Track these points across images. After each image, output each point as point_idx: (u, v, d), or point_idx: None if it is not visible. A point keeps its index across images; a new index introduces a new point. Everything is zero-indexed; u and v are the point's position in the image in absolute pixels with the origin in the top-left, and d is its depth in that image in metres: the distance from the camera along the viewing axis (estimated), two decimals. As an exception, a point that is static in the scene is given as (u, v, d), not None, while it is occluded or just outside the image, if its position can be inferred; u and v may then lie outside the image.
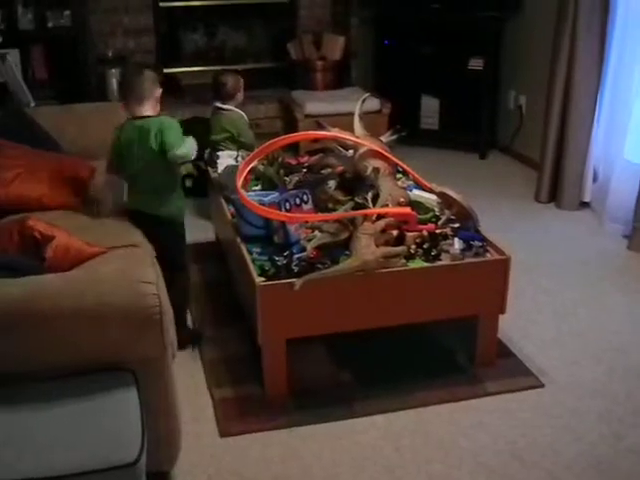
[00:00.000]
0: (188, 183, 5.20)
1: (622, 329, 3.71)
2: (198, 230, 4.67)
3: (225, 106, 4.75)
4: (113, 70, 5.97)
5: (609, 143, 4.92)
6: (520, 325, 3.68)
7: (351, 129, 3.60)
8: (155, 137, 3.28)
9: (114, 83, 5.97)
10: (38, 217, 2.99)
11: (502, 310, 3.27)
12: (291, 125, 5.94)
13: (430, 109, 6.27)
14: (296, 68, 6.46)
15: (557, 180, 5.18)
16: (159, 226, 3.39)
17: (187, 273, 3.61)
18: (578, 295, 4.02)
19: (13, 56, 5.36)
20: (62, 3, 5.73)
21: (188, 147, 3.30)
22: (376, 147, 3.43)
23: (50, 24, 5.78)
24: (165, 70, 6.27)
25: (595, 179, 5.07)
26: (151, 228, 3.34)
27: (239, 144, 4.59)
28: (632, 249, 4.51)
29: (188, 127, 5.04)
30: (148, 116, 3.37)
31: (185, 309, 3.60)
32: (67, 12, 5.75)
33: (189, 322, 3.70)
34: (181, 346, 3.27)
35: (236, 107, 4.77)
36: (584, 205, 5.14)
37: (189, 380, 3.28)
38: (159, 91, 3.45)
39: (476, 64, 5.98)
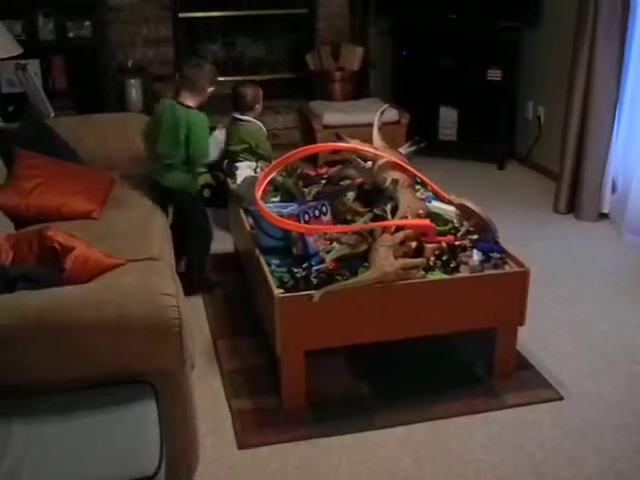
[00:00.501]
0: (206, 193, 5.20)
1: (641, 341, 3.69)
2: (216, 241, 4.67)
3: (244, 117, 4.76)
4: (132, 80, 6.00)
5: (628, 154, 4.90)
6: (538, 337, 3.67)
7: (369, 140, 3.60)
8: (183, 127, 3.81)
9: (133, 93, 6.01)
10: (57, 227, 3.00)
11: (521, 322, 3.25)
12: (309, 136, 5.95)
13: (448, 120, 6.26)
14: (314, 79, 6.47)
15: (576, 191, 5.16)
16: (171, 195, 4.04)
17: (206, 232, 4.13)
18: (597, 307, 4.00)
19: (33, 66, 5.40)
20: (83, 14, 5.77)
21: (209, 150, 3.97)
22: (395, 159, 3.42)
23: (70, 34, 5.82)
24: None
25: (614, 190, 5.05)
26: (165, 196, 4.02)
27: (257, 155, 4.59)
28: (651, 261, 4.48)
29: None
30: (188, 106, 3.85)
31: (204, 259, 4.15)
32: (87, 23, 5.79)
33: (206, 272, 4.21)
34: (194, 291, 4.01)
35: (255, 118, 4.78)
36: (603, 216, 5.11)
37: (207, 391, 3.28)
38: (209, 89, 3.93)
39: (494, 75, 5.97)
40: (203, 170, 4.72)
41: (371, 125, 3.70)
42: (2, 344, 2.26)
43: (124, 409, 2.25)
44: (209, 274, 4.24)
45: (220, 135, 4.84)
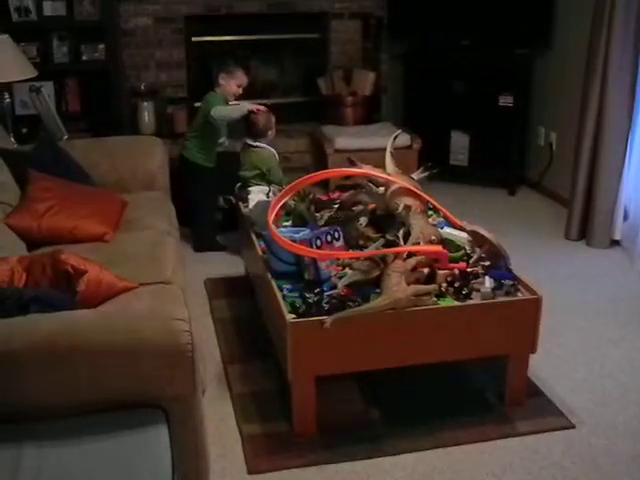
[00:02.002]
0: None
1: (654, 370, 3.67)
2: (227, 264, 4.70)
3: (256, 143, 4.78)
4: (145, 103, 6.02)
5: (640, 181, 4.89)
6: (550, 364, 3.65)
7: (381, 164, 3.61)
8: (205, 103, 4.96)
9: (146, 116, 6.03)
10: (70, 250, 3.01)
11: (533, 349, 3.24)
12: (321, 160, 5.96)
13: (460, 145, 6.26)
14: (326, 103, 6.48)
15: (587, 218, 5.15)
16: (188, 166, 5.03)
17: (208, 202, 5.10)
18: (609, 334, 3.98)
19: (47, 89, 5.42)
20: (97, 37, 5.80)
21: (222, 111, 4.82)
22: (407, 184, 3.43)
23: (84, 57, 5.85)
24: (196, 104, 6.34)
25: (626, 217, 5.04)
26: (186, 167, 5.05)
27: (268, 182, 4.60)
28: (663, 288, 4.47)
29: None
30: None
31: (210, 224, 5.11)
32: (101, 46, 5.82)
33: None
34: (203, 249, 5.02)
35: (267, 144, 4.80)
36: (615, 243, 5.10)
37: (218, 415, 3.27)
38: (234, 88, 4.99)
39: (506, 100, 5.97)
40: (221, 143, 5.19)
41: (382, 150, 3.70)
42: (15, 367, 2.26)
43: (136, 434, 2.24)
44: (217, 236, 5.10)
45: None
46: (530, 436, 3.16)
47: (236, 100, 5.06)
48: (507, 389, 3.33)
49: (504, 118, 6.00)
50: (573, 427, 3.22)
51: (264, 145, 4.79)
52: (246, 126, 4.82)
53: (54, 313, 2.45)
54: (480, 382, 3.52)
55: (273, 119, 4.82)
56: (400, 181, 3.43)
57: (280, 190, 3.75)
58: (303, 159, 5.84)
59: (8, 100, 4.98)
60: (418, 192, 3.42)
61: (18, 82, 4.98)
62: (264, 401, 3.37)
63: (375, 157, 3.94)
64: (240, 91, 5.05)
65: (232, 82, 4.99)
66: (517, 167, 6.22)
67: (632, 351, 3.82)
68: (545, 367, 3.60)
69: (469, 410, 3.31)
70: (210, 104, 4.87)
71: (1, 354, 2.25)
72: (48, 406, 2.33)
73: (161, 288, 3.07)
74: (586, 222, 5.16)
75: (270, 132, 4.81)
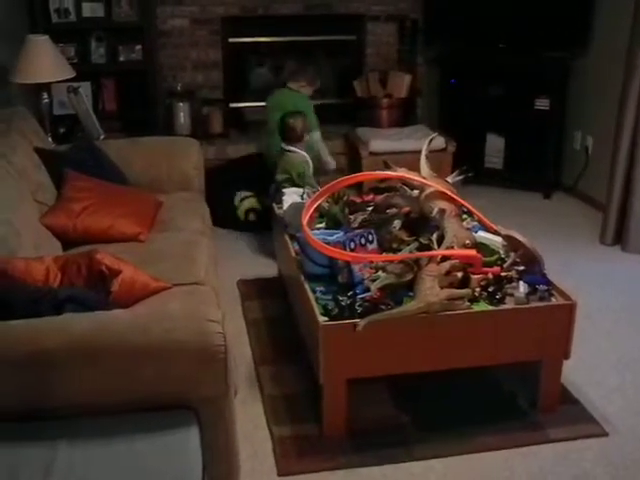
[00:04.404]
0: (252, 217, 5.24)
1: (689, 378, 3.63)
2: (260, 265, 4.71)
3: (290, 148, 4.79)
4: (181, 104, 6.04)
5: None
6: (583, 371, 3.62)
7: (415, 167, 3.59)
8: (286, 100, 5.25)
9: (182, 117, 6.05)
10: (105, 250, 3.03)
11: (566, 355, 3.22)
12: (355, 162, 5.96)
13: (495, 148, 6.23)
14: (361, 105, 6.47)
15: (623, 222, 5.10)
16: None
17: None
18: (643, 341, 3.95)
19: (85, 89, 5.47)
20: (134, 38, 5.85)
21: (320, 144, 5.29)
22: (442, 188, 3.41)
23: (121, 58, 5.90)
24: (231, 104, 6.37)
25: (662, 222, 4.99)
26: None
27: (299, 186, 4.60)
28: (699, 294, 4.42)
29: (249, 162, 5.20)
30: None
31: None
32: (138, 47, 5.86)
33: None
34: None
35: (303, 149, 4.82)
36: (651, 249, 5.06)
37: (249, 416, 3.28)
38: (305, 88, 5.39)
39: (542, 104, 5.94)
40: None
41: (417, 152, 3.69)
42: (49, 366, 2.29)
43: (167, 435, 2.26)
44: None
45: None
46: (562, 443, 3.13)
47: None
48: (540, 395, 3.31)
49: (540, 121, 5.96)
50: (606, 435, 3.19)
51: (297, 150, 4.80)
52: (283, 131, 4.83)
53: (88, 313, 2.47)
54: (512, 388, 3.49)
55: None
56: (435, 184, 3.42)
57: (314, 192, 3.75)
58: (338, 161, 5.82)
59: (47, 100, 5.02)
60: (453, 195, 3.41)
61: (56, 82, 5.03)
62: (295, 403, 3.38)
63: (410, 160, 3.93)
64: (310, 92, 5.48)
65: (303, 82, 5.39)
66: (552, 171, 6.17)
67: (667, 359, 3.79)
68: (578, 373, 3.57)
69: (501, 416, 3.29)
70: (303, 109, 5.09)
71: (36, 353, 2.28)
72: (81, 405, 2.35)
73: (194, 289, 3.08)
74: (621, 227, 5.11)
75: (306, 136, 4.82)
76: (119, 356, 2.31)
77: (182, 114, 6.07)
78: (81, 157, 4.13)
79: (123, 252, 3.23)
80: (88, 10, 5.75)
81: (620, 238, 5.14)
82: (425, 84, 6.68)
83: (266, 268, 4.64)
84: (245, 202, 5.26)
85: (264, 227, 4.92)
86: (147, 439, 2.24)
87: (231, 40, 6.40)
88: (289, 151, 4.80)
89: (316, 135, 5.30)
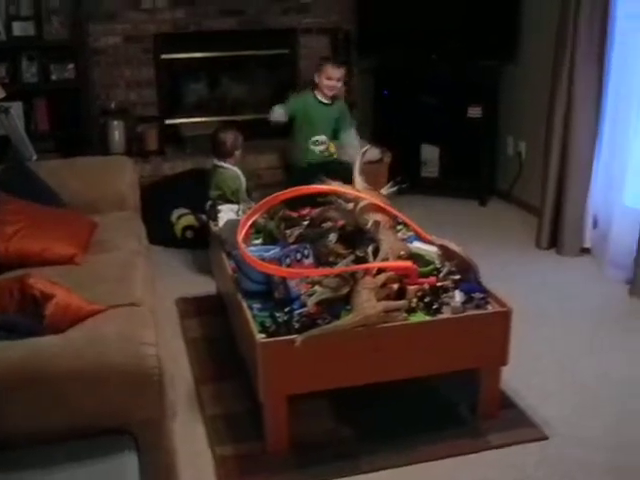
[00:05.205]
0: (189, 234, 5.21)
1: (625, 378, 3.68)
2: (199, 283, 4.68)
3: (221, 164, 4.77)
4: (115, 122, 6.00)
5: (608, 189, 4.92)
6: (522, 375, 3.64)
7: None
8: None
9: (116, 134, 6.00)
10: (38, 273, 2.98)
11: (504, 362, 3.25)
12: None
13: (430, 157, 6.31)
14: (296, 118, 6.47)
15: (557, 226, 5.18)
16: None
17: None
18: (580, 343, 4.00)
19: (16, 109, 5.40)
20: (66, 57, 5.79)
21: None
22: (376, 200, 3.43)
23: (54, 77, 5.84)
24: (167, 121, 6.33)
25: (595, 225, 5.07)
26: None
27: (232, 203, 4.58)
28: (634, 295, 4.49)
29: (185, 179, 5.12)
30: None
31: None
32: (71, 65, 5.81)
33: None
34: None
35: (235, 164, 4.78)
36: (585, 251, 5.13)
37: (190, 437, 3.24)
38: (324, 82, 5.41)
39: (475, 112, 6.03)
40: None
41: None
42: (-19, 396, 2.25)
43: (105, 461, 2.23)
44: None
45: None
46: (504, 449, 3.16)
47: (331, 95, 5.54)
48: (480, 402, 3.34)
49: (473, 129, 6.05)
50: (546, 438, 3.22)
51: (229, 166, 4.78)
52: (213, 145, 4.81)
53: (21, 340, 2.43)
54: (452, 395, 3.52)
55: (241, 138, 4.81)
56: (369, 197, 3.43)
57: (249, 208, 3.74)
58: (274, 175, 5.82)
59: (-24, 121, 4.95)
60: (387, 208, 3.42)
61: (-13, 103, 4.95)
62: (237, 422, 3.35)
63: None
64: (333, 84, 5.46)
65: (322, 77, 5.40)
66: (487, 177, 6.26)
67: (604, 360, 3.84)
68: (517, 378, 3.59)
69: (443, 424, 3.31)
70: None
71: (-33, 383, 2.24)
72: (16, 434, 2.31)
73: (130, 310, 3.04)
74: (556, 231, 5.19)
75: (237, 152, 4.80)
76: (53, 382, 2.29)
77: (117, 132, 6.02)
78: (12, 179, 4.07)
79: (58, 275, 3.18)
80: (18, 29, 5.69)
81: (555, 242, 5.22)
82: (359, 95, 6.70)
83: (205, 286, 4.61)
84: (182, 219, 5.21)
85: (202, 244, 4.89)
86: (85, 467, 2.21)
87: (164, 57, 6.36)
88: (220, 167, 4.77)
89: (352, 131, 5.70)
